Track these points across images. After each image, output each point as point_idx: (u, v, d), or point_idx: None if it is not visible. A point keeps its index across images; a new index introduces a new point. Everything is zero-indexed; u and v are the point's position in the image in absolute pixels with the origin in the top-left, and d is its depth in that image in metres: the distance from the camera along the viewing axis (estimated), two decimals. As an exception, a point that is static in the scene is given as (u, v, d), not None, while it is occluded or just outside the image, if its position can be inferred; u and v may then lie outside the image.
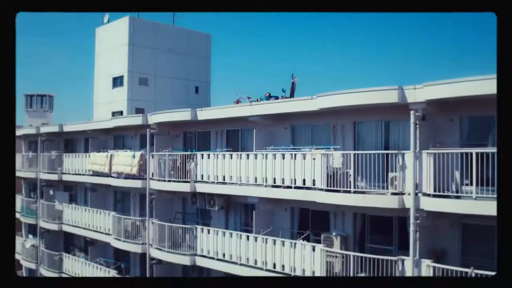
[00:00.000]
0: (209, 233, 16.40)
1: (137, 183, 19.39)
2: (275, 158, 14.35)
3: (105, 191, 23.22)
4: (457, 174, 11.33)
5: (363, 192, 12.30)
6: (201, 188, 16.76)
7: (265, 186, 14.60)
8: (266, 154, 14.59)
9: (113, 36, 37.38)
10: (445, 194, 10.88)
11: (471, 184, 10.59)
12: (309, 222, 14.90)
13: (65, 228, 24.59)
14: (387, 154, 12.99)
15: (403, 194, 11.74)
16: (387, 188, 12.26)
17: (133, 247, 19.52)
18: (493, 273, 8.48)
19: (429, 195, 11.26)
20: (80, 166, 23.51)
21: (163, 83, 38.58)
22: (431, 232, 11.93)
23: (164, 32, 37.49)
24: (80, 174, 23.49)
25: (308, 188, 13.52)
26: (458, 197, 10.84)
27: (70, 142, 26.74)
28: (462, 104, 11.39)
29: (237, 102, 20.53)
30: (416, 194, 11.42)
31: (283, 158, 14.12)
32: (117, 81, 38.02)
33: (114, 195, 23.10)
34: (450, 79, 10.91)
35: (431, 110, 11.65)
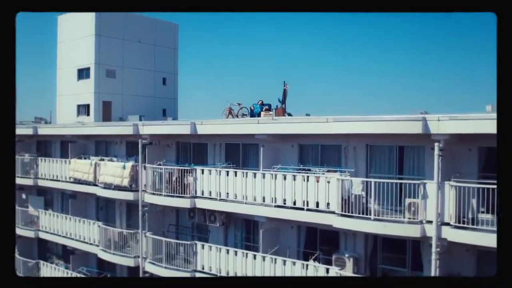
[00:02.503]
0: (210, 249, 16.13)
1: (128, 195, 18.72)
2: (285, 179, 14.23)
3: (86, 198, 22.32)
4: (473, 202, 11.68)
5: (378, 218, 12.43)
6: (202, 204, 16.40)
7: (275, 206, 14.48)
8: (276, 174, 14.43)
9: (77, 25, 35.71)
10: (470, 226, 11.16)
11: (488, 213, 10.99)
12: (317, 241, 14.95)
13: (42, 236, 23.49)
14: (402, 179, 13.26)
15: (422, 222, 11.97)
16: (403, 213, 12.51)
17: (124, 260, 18.92)
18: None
19: (449, 224, 11.57)
20: (59, 172, 22.44)
21: (130, 75, 37.44)
22: (447, 257, 12.24)
23: (131, 22, 36.22)
24: (58, 180, 22.42)
25: (319, 211, 13.53)
26: (476, 228, 11.15)
27: (43, 144, 25.42)
28: (480, 135, 11.63)
29: (229, 110, 20.21)
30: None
31: (294, 179, 14.02)
32: (82, 73, 36.51)
33: (96, 202, 22.24)
34: (476, 114, 11.12)
35: (450, 140, 11.84)
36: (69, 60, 36.89)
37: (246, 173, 15.18)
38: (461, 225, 11.37)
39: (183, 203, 16.71)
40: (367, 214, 12.59)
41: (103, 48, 35.64)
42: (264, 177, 14.68)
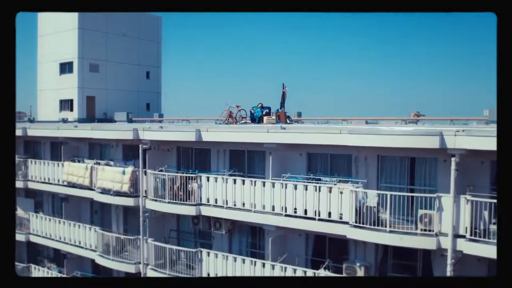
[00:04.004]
0: (216, 257, 16.06)
1: (128, 201, 18.43)
2: (296, 188, 14.24)
3: (79, 201, 21.85)
4: (485, 214, 11.96)
5: (394, 230, 12.60)
6: (207, 212, 16.27)
7: (285, 215, 14.49)
8: (286, 184, 14.42)
9: (59, 18, 34.77)
10: (485, 239, 11.43)
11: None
12: (326, 249, 15.06)
13: (34, 239, 22.94)
14: (413, 189, 13.47)
15: (437, 234, 12.18)
16: (415, 223, 12.73)
17: (124, 267, 18.66)
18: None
19: (465, 237, 11.84)
20: (51, 174, 21.88)
21: (114, 69, 36.83)
22: (459, 267, 12.52)
23: (113, 14, 35.48)
24: (51, 183, 21.89)
25: (331, 221, 13.62)
26: (489, 242, 11.43)
27: (31, 145, 24.62)
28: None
29: (229, 113, 20.06)
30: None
31: (306, 189, 14.04)
32: (65, 67, 35.71)
33: (91, 205, 21.81)
34: (491, 129, 11.32)
35: (465, 154, 12.03)
36: (50, 54, 35.90)
37: (255, 181, 15.12)
38: (476, 238, 11.64)
39: (188, 210, 16.56)
40: (379, 224, 12.78)
41: (86, 41, 34.83)
42: (273, 186, 14.65)
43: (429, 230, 12.33)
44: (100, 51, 35.52)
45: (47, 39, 35.68)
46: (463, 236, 11.95)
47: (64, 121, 33.29)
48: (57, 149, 22.94)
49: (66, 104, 35.76)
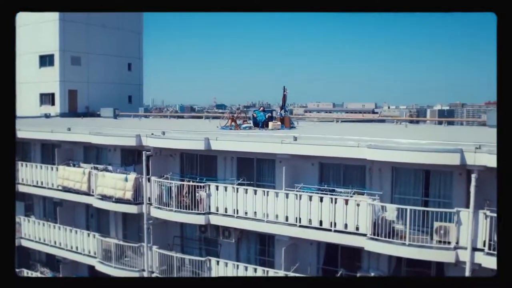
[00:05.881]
0: (226, 266, 16.05)
1: (131, 209, 18.10)
2: (310, 200, 14.28)
3: (74, 205, 21.33)
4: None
5: (413, 244, 12.84)
6: (217, 221, 16.18)
7: (299, 226, 14.54)
8: (301, 195, 14.44)
9: (38, 8, 33.30)
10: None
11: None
12: (338, 257, 15.23)
13: (26, 244, 22.35)
14: (427, 201, 13.73)
15: (455, 248, 12.47)
16: (430, 234, 13.01)
17: (127, 274, 18.40)
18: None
19: (483, 250, 12.17)
20: (44, 178, 21.25)
21: (96, 61, 36.01)
22: (473, 275, 12.88)
23: (95, 5, 34.17)
24: (44, 187, 21.29)
25: (347, 233, 13.76)
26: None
27: (20, 147, 23.73)
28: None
29: (231, 118, 19.87)
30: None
31: (321, 200, 14.10)
32: (45, 60, 34.61)
33: (86, 209, 21.34)
34: None
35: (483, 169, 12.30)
36: (29, 45, 34.62)
37: (267, 191, 15.08)
38: (493, 252, 11.97)
39: (196, 219, 16.41)
40: (393, 235, 13.00)
41: (67, 33, 33.80)
42: (287, 197, 14.64)
43: (447, 242, 12.61)
44: (82, 43, 34.54)
45: (26, 29, 34.30)
46: (480, 249, 12.28)
47: (47, 116, 32.40)
48: (49, 151, 22.32)
49: (47, 98, 34.73)
